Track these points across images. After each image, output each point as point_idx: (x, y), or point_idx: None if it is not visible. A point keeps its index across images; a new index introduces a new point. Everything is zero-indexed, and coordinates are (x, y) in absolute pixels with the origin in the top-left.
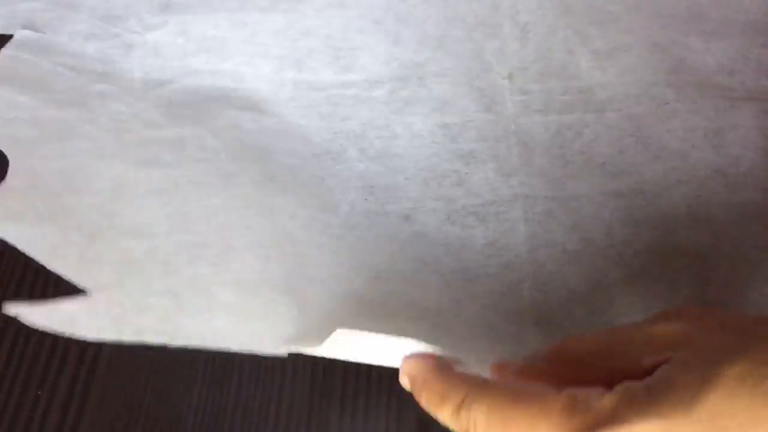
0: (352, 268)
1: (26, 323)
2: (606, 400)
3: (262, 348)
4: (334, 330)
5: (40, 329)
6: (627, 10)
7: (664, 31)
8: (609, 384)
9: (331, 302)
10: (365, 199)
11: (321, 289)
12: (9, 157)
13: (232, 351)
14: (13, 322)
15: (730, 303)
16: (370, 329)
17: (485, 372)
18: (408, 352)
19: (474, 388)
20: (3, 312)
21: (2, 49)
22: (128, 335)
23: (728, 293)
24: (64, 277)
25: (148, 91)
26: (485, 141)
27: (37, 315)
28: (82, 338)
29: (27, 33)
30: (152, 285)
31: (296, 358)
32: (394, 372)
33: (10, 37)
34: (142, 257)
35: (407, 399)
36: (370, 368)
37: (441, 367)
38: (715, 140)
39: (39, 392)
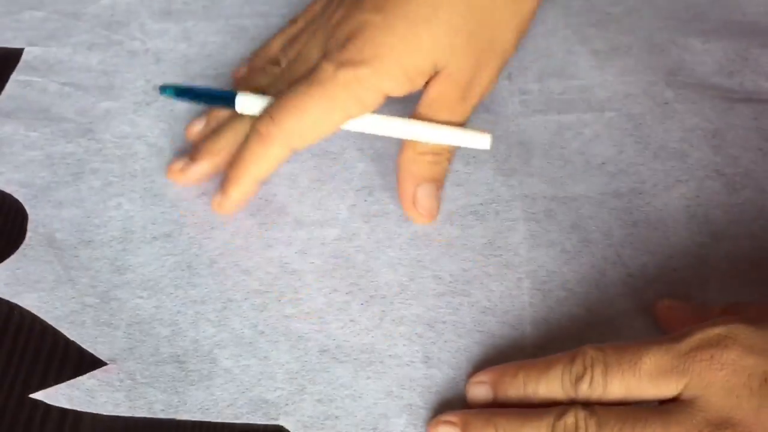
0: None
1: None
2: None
3: (257, 419)
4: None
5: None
6: (626, 11)
7: (662, 32)
8: None
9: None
10: (365, 200)
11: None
12: (27, 208)
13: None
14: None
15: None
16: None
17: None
18: None
19: None
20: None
21: (12, 74)
22: (140, 410)
23: (728, 293)
24: (81, 345)
25: (150, 102)
26: None
27: (60, 397)
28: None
29: (35, 50)
30: (160, 349)
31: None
32: None
33: (20, 50)
34: (149, 317)
35: None
36: None
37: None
38: (713, 141)
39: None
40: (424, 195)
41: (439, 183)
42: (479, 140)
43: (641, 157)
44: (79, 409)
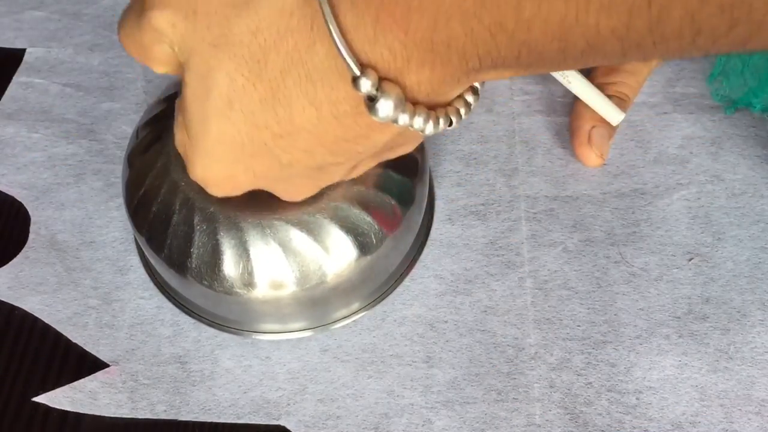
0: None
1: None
2: None
3: (259, 419)
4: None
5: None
6: None
7: None
8: None
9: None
10: None
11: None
12: (29, 210)
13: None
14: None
15: (731, 303)
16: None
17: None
18: None
19: None
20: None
21: (15, 76)
22: (143, 411)
23: (728, 293)
24: (84, 347)
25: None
26: (486, 143)
27: (62, 399)
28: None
29: (36, 51)
30: (161, 350)
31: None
32: None
33: (21, 51)
34: (151, 318)
35: None
36: None
37: None
38: (712, 149)
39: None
40: (599, 135)
41: (613, 129)
42: (614, 114)
43: (642, 160)
44: (81, 412)
